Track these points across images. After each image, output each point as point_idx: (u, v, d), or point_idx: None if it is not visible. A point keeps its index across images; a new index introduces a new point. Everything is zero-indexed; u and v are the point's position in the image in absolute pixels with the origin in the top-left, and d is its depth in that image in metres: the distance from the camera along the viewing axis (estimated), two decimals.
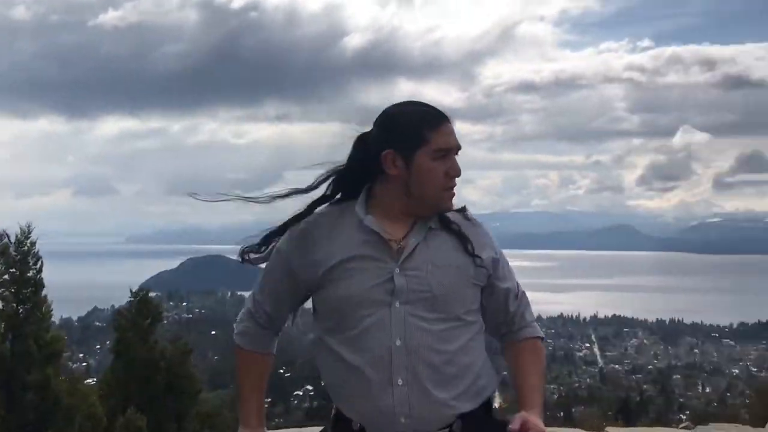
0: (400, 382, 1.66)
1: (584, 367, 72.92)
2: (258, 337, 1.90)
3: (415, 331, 1.67)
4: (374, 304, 1.68)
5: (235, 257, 1.86)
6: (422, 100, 1.83)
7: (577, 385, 54.82)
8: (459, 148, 1.76)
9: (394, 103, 1.82)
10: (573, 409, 47.50)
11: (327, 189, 1.85)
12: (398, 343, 1.66)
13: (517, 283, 1.87)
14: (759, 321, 79.91)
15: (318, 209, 1.83)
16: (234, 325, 1.93)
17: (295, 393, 47.66)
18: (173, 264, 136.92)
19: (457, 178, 1.76)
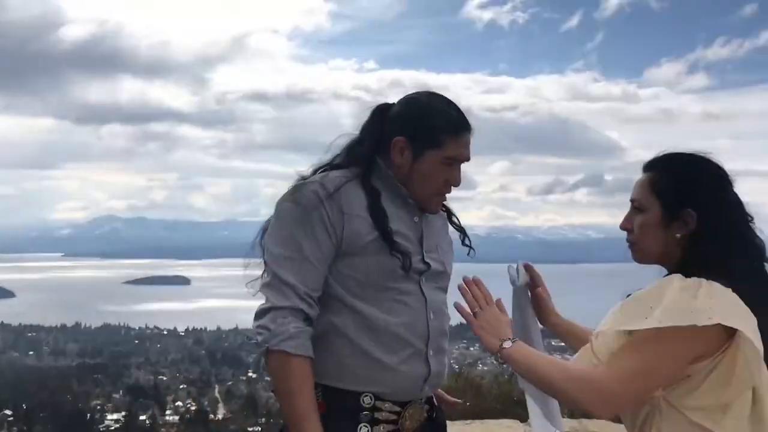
0: (431, 353, 1.75)
1: None
2: (309, 337, 1.64)
3: (439, 307, 1.78)
4: (409, 280, 1.72)
5: None
6: (452, 100, 1.76)
7: None
8: (468, 160, 1.76)
9: (428, 91, 1.79)
10: None
11: (340, 156, 1.80)
12: (431, 316, 1.75)
13: None
14: (460, 323, 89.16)
15: (332, 174, 1.74)
16: (265, 332, 1.60)
17: None
18: None
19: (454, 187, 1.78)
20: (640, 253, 1.60)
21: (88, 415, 46.61)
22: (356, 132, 1.82)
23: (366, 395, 1.68)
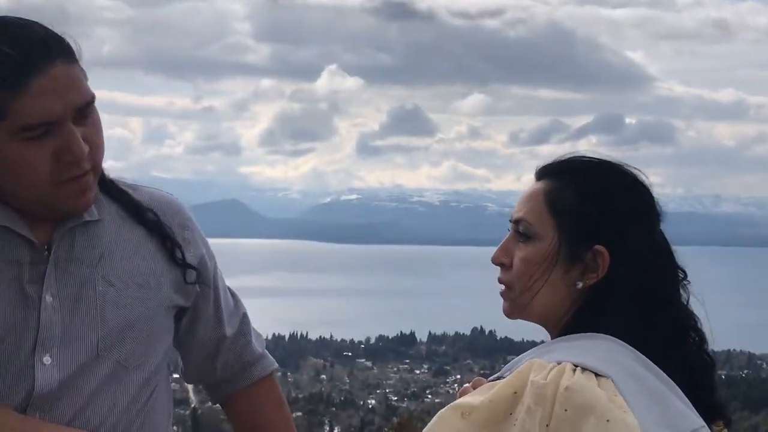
0: None
1: None
2: None
3: None
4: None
5: None
6: (35, 22, 1.55)
7: None
8: (82, 105, 1.53)
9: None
10: None
11: None
12: None
13: (234, 297, 1.92)
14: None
15: None
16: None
17: None
18: None
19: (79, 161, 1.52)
20: (518, 305, 1.52)
21: None
22: None
23: None
